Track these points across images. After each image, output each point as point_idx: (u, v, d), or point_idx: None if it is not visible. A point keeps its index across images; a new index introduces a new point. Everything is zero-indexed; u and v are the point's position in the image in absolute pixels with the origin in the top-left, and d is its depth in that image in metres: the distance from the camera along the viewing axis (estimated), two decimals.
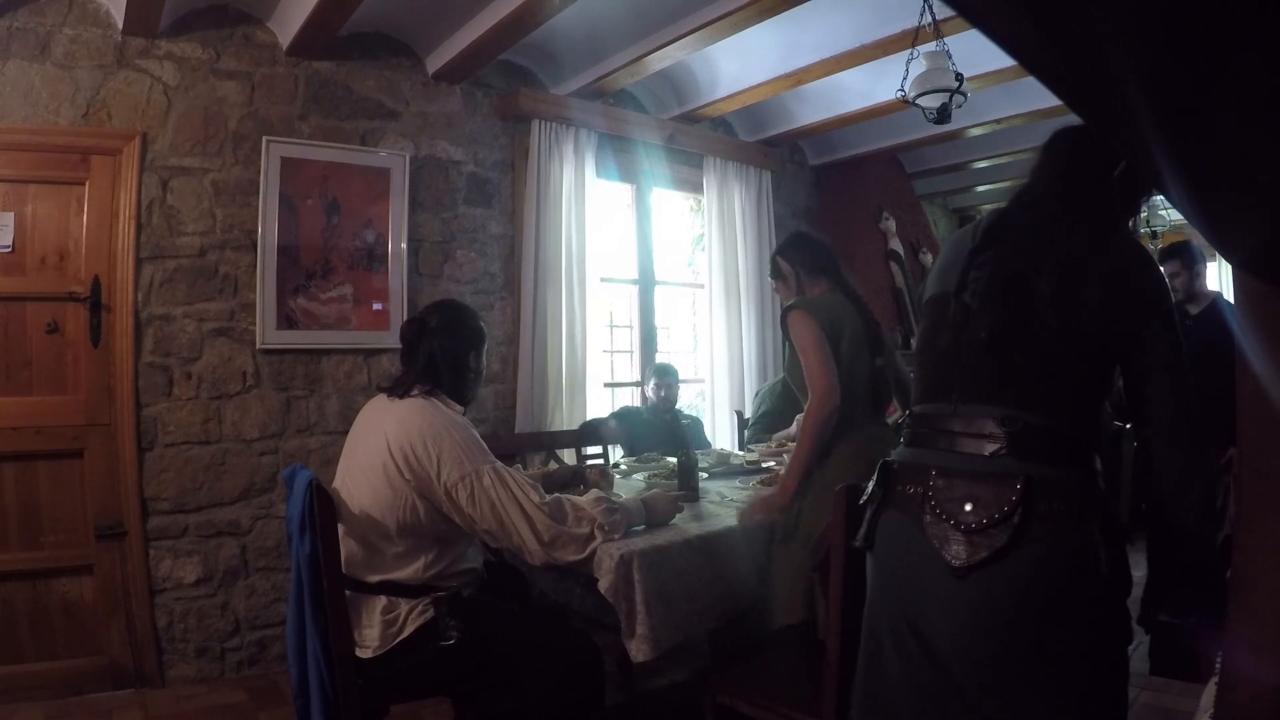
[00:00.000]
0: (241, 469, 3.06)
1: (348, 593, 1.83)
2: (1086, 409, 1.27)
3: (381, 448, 1.86)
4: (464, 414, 1.99)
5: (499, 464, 1.88)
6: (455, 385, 2.01)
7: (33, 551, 2.75)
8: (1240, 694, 0.79)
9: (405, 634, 1.84)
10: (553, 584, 2.13)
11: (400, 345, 2.07)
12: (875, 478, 1.41)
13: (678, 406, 3.89)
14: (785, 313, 2.18)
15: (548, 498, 1.86)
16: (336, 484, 2.00)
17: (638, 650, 1.79)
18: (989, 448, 1.24)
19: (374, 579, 1.86)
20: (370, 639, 1.83)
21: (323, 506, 1.75)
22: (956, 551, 1.21)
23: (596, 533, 1.86)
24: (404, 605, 1.85)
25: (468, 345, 2.03)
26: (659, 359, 4.35)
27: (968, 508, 1.22)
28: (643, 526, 1.99)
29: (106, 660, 2.81)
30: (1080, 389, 1.26)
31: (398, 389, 1.98)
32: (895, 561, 1.34)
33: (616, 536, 1.87)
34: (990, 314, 1.29)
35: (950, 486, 1.25)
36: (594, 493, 2.00)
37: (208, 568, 2.99)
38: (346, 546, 1.87)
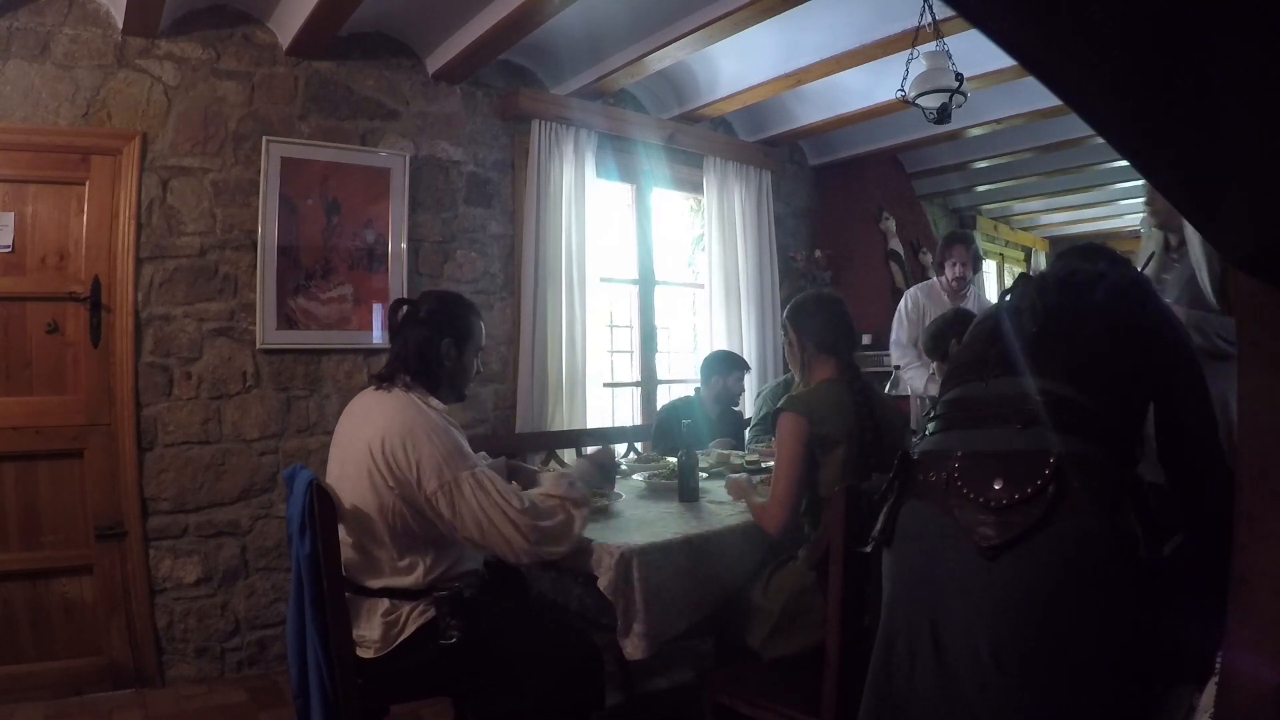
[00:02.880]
0: (241, 469, 3.06)
1: (348, 594, 1.83)
2: (1126, 405, 1.26)
3: (364, 451, 1.83)
4: (446, 411, 1.93)
5: (479, 469, 1.83)
6: (434, 380, 1.95)
7: (33, 551, 2.74)
8: (1240, 694, 0.79)
9: (406, 634, 1.83)
10: (551, 584, 2.13)
11: (388, 326, 2.04)
12: (893, 470, 1.36)
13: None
14: (776, 414, 2.00)
15: (525, 501, 1.83)
16: (328, 476, 1.98)
17: (634, 648, 1.80)
18: (1022, 419, 1.20)
19: (375, 584, 1.84)
20: (371, 639, 1.83)
21: (323, 506, 1.74)
22: (985, 533, 1.15)
23: (571, 510, 1.86)
24: (405, 606, 1.84)
25: (445, 336, 1.95)
26: (658, 356, 4.32)
27: (997, 485, 1.17)
28: (602, 488, 2.09)
29: (106, 660, 2.81)
30: (1122, 385, 1.26)
31: (383, 380, 1.94)
32: (917, 554, 1.29)
33: (585, 504, 1.92)
34: (1040, 309, 1.31)
35: (978, 466, 1.21)
36: (548, 476, 2.01)
37: (208, 568, 2.99)
38: (344, 551, 1.85)
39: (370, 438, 1.83)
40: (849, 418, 1.95)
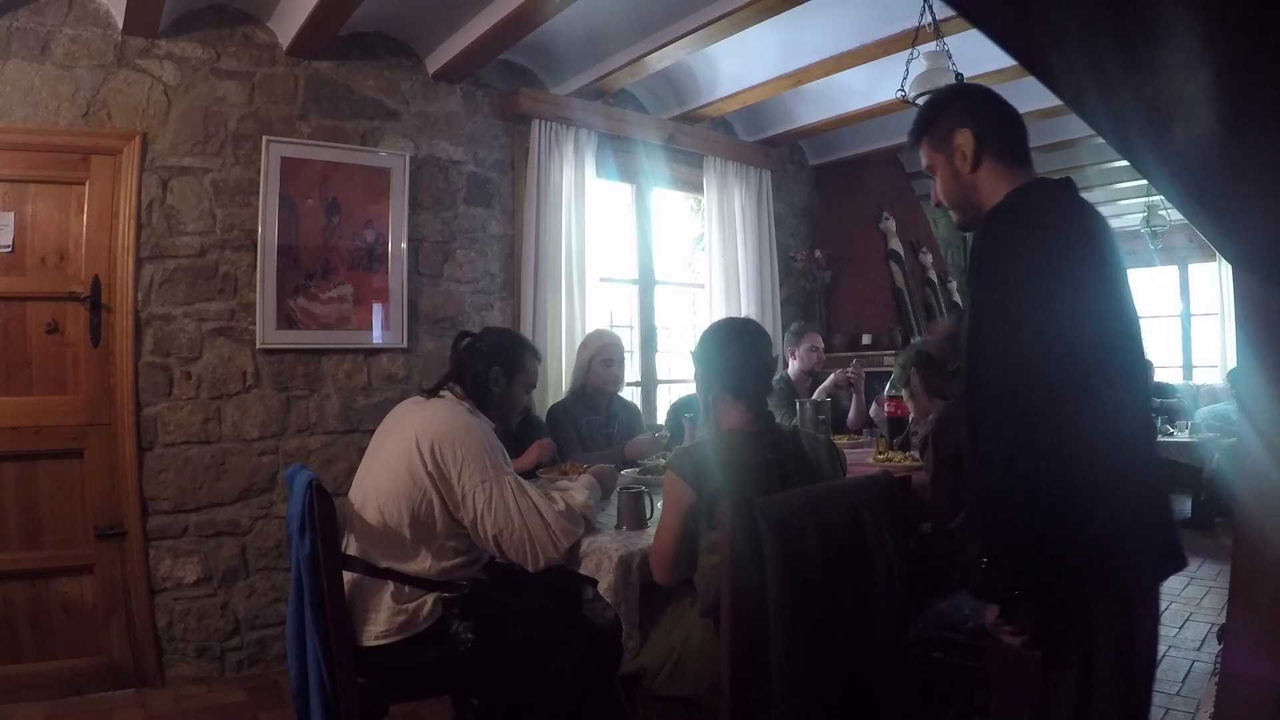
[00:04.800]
0: (241, 469, 3.06)
1: (357, 577, 1.86)
2: None
3: (410, 438, 1.90)
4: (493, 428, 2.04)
5: (518, 476, 1.94)
6: (482, 404, 2.06)
7: (33, 551, 2.74)
8: (1240, 694, 0.79)
9: (416, 630, 1.85)
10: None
11: (450, 355, 2.15)
12: None
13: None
14: (665, 468, 1.76)
15: (559, 505, 1.92)
16: (360, 472, 2.04)
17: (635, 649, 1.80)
18: None
19: (383, 564, 1.88)
20: (376, 622, 1.84)
21: (323, 506, 1.75)
22: None
23: (586, 528, 1.97)
24: (415, 599, 1.86)
25: (495, 365, 2.07)
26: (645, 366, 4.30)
27: None
28: (599, 498, 2.12)
29: (106, 660, 2.81)
30: None
31: (435, 390, 2.05)
32: None
33: (591, 523, 2.01)
34: None
35: None
36: (577, 492, 2.04)
37: (208, 568, 2.99)
38: (363, 534, 1.90)
39: (420, 428, 1.90)
40: (752, 481, 1.63)
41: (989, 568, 1.20)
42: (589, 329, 3.82)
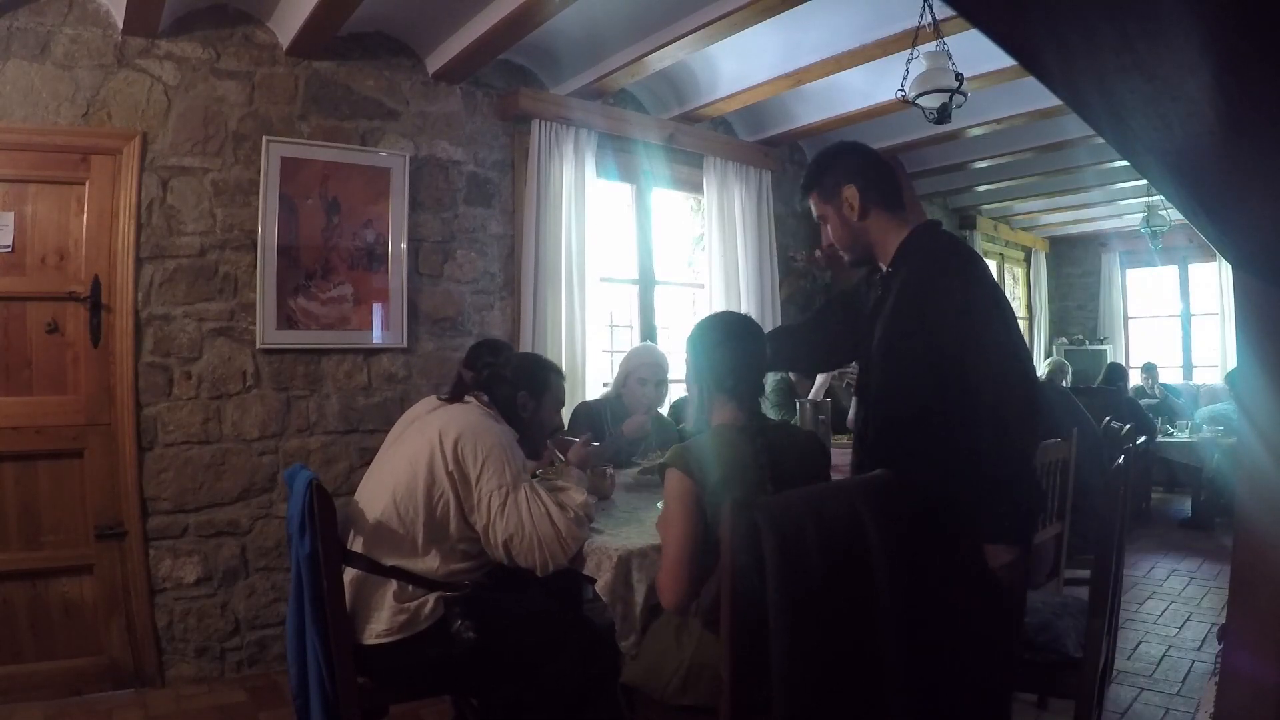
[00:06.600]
0: (241, 469, 3.06)
1: (359, 576, 1.85)
2: None
3: (434, 436, 1.91)
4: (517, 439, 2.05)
5: (535, 484, 1.95)
6: (518, 427, 2.06)
7: (33, 551, 2.75)
8: (1240, 694, 0.79)
9: (418, 629, 1.85)
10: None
11: (469, 375, 2.16)
12: None
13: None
14: (662, 468, 1.74)
15: (569, 513, 1.91)
16: (375, 468, 2.05)
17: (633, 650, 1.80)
18: None
19: (389, 562, 1.87)
20: (378, 621, 1.84)
21: (323, 506, 1.75)
22: None
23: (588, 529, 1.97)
24: (417, 599, 1.86)
25: (521, 389, 2.10)
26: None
27: None
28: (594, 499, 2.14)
29: (106, 660, 2.81)
30: None
31: (457, 397, 2.06)
32: None
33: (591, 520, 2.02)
34: None
35: None
36: (575, 493, 2.03)
37: (208, 568, 2.99)
38: (373, 531, 1.90)
39: (444, 425, 1.91)
40: (743, 474, 1.65)
41: (1021, 519, 1.62)
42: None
